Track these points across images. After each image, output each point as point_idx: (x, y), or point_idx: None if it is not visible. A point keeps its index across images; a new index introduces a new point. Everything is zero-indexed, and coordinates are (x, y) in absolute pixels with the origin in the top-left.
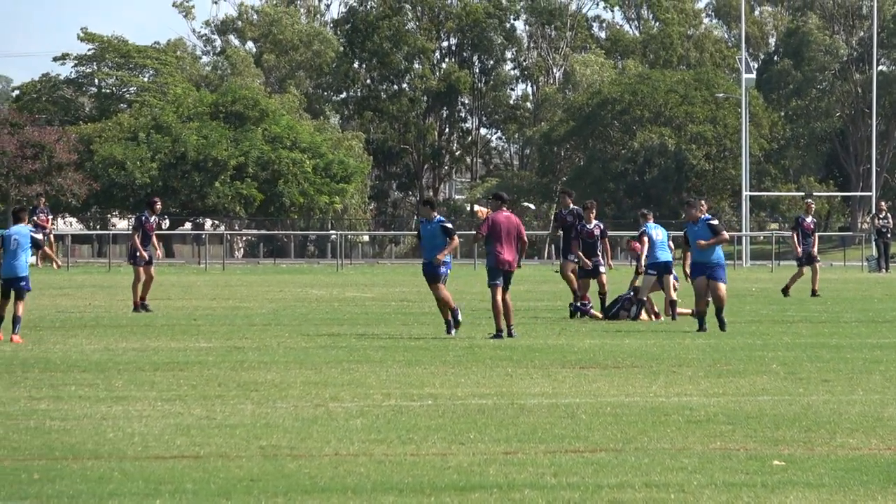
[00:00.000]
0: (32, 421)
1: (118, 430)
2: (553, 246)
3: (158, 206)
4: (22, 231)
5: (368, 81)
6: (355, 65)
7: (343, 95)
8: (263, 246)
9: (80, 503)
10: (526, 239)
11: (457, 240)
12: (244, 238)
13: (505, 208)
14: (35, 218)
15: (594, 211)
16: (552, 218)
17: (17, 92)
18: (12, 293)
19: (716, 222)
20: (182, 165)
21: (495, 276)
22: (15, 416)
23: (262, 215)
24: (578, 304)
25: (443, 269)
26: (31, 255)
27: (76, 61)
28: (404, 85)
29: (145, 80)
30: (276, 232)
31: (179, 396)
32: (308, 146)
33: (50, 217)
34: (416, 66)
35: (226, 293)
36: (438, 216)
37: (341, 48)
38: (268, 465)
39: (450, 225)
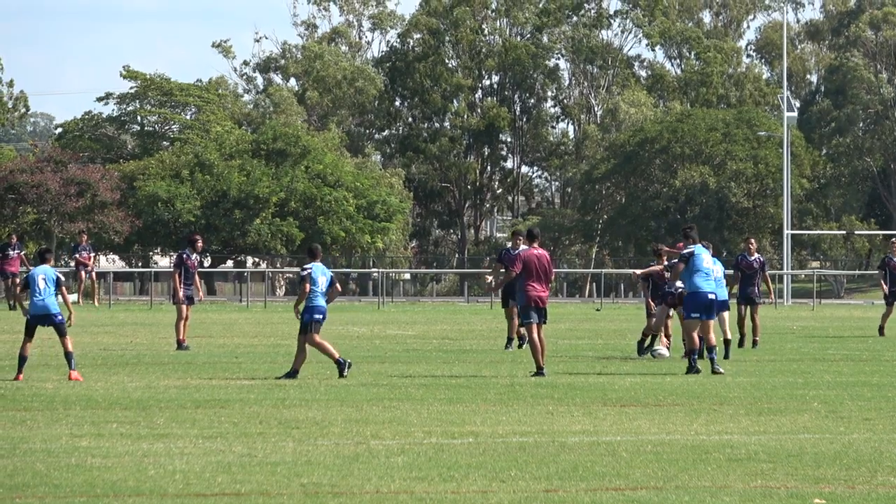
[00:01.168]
0: (74, 458)
1: (159, 467)
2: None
3: (200, 244)
4: (48, 271)
5: (410, 120)
6: (397, 103)
7: (385, 133)
8: None
9: None
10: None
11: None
12: (286, 276)
13: (536, 244)
14: (77, 255)
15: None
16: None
17: (59, 129)
18: (54, 331)
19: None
20: (224, 203)
21: (529, 313)
22: (56, 454)
23: (304, 253)
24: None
25: None
26: (57, 295)
27: (119, 100)
28: (445, 123)
29: (187, 117)
30: None
31: (220, 434)
32: (351, 184)
33: (92, 254)
34: (456, 104)
35: (267, 331)
36: None
37: (383, 86)
38: (309, 502)
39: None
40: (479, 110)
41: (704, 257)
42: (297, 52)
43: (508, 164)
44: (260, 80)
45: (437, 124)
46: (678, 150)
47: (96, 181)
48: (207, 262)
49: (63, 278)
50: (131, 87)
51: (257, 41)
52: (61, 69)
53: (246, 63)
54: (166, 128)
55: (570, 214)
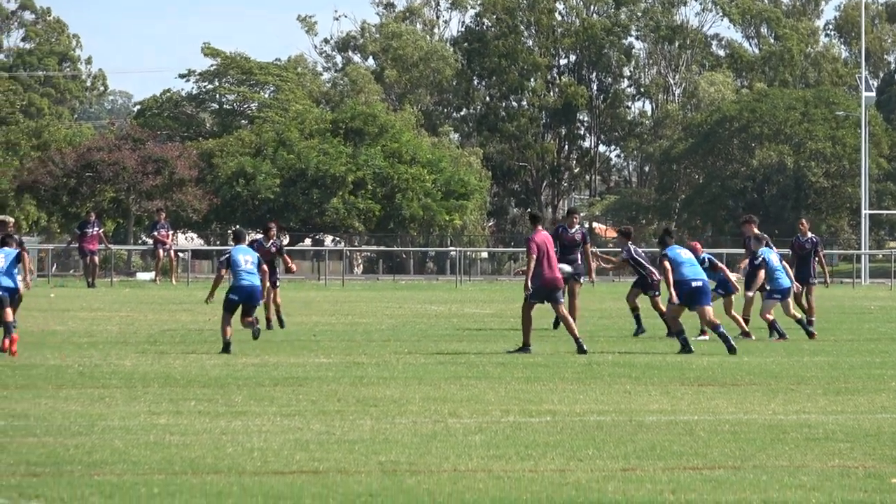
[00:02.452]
0: (152, 435)
1: (237, 444)
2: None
3: (273, 231)
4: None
5: (487, 99)
6: (474, 82)
7: (462, 112)
8: (383, 262)
9: None
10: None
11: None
12: (363, 254)
13: (539, 227)
14: (155, 233)
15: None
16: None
17: (137, 107)
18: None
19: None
20: (302, 182)
21: (541, 295)
22: (135, 431)
23: (382, 231)
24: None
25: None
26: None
27: (198, 77)
28: (523, 102)
29: (266, 96)
30: (396, 248)
31: (299, 412)
32: (428, 162)
33: (170, 232)
34: (533, 82)
35: (345, 309)
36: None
37: (460, 65)
38: (387, 480)
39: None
40: (556, 89)
41: (679, 251)
42: (375, 30)
43: (586, 144)
44: (339, 59)
45: (514, 103)
46: (756, 129)
47: (174, 159)
48: (286, 240)
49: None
50: (211, 66)
51: (336, 20)
52: (140, 47)
53: (326, 41)
54: (245, 106)
55: (647, 194)
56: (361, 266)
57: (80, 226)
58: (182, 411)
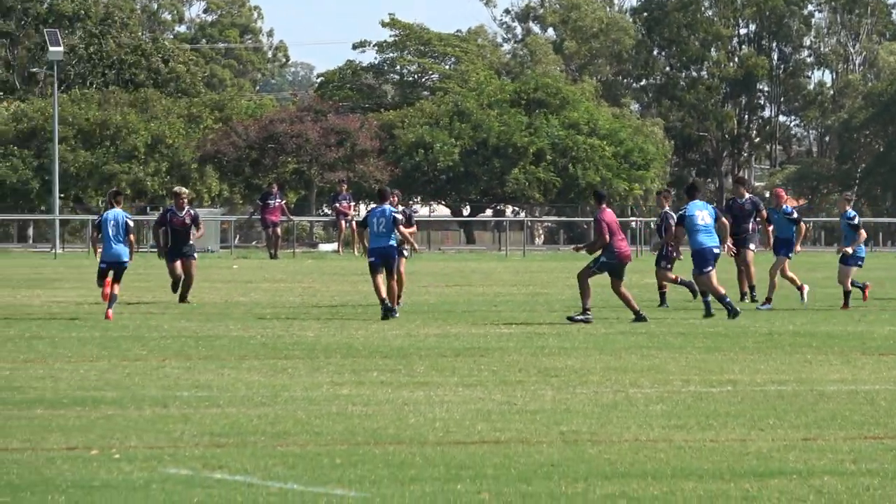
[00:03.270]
0: (335, 406)
1: (419, 415)
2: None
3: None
4: (119, 215)
5: (667, 69)
6: (654, 52)
7: (642, 83)
8: (563, 232)
9: (382, 488)
10: None
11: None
12: (544, 224)
13: (604, 205)
14: (337, 204)
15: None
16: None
17: (319, 79)
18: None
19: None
20: (483, 152)
21: (610, 269)
22: (318, 401)
23: (562, 201)
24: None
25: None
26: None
27: (377, 48)
28: (703, 72)
29: (447, 67)
30: (576, 219)
31: (480, 382)
32: (607, 132)
33: (352, 203)
34: (714, 53)
35: (526, 279)
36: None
37: (639, 36)
38: (567, 450)
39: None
40: (736, 59)
41: (698, 214)
42: (555, 1)
43: (766, 113)
44: (518, 30)
45: (694, 73)
46: None
47: (355, 130)
48: (467, 211)
49: (132, 224)
50: (391, 36)
51: None
52: (321, 18)
53: (507, 11)
54: (425, 77)
55: (827, 163)
56: (542, 236)
57: (263, 197)
58: (364, 382)
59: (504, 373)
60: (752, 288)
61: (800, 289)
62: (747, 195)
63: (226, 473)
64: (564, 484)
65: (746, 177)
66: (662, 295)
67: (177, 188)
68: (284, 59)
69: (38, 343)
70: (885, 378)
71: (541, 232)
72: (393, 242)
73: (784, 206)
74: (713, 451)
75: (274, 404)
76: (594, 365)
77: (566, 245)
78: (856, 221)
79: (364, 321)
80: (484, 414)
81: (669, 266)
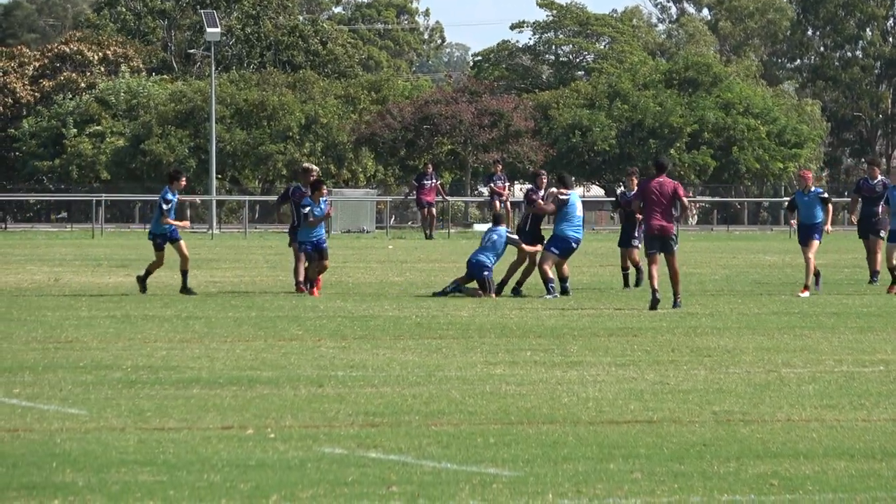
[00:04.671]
0: (488, 386)
1: (573, 394)
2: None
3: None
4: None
5: (822, 49)
6: (809, 32)
7: (797, 63)
8: (717, 212)
9: (535, 467)
10: (686, 202)
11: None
12: (698, 205)
13: (663, 176)
14: (492, 185)
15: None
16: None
17: (475, 59)
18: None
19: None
20: (639, 132)
21: (651, 244)
22: (472, 381)
23: (716, 182)
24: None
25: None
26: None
27: (533, 28)
28: (857, 52)
29: (602, 47)
30: (730, 199)
31: (633, 361)
32: (761, 112)
33: (507, 184)
34: (870, 33)
35: (680, 259)
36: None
37: (795, 16)
38: (720, 430)
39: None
40: (891, 39)
41: (577, 204)
42: None
43: None
44: (674, 10)
45: (849, 53)
46: None
47: (510, 111)
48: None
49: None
50: (547, 16)
51: None
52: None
53: None
54: (580, 58)
55: None
56: (696, 216)
57: (418, 178)
58: (518, 361)
59: (657, 352)
60: (874, 273)
61: (816, 275)
62: (880, 177)
63: (380, 452)
64: (716, 463)
65: (873, 157)
66: (626, 276)
67: (305, 164)
68: (440, 41)
69: (194, 323)
70: None
71: (695, 212)
72: (490, 261)
73: (814, 188)
74: (865, 431)
75: (428, 384)
76: (747, 345)
77: (719, 225)
78: None
79: (518, 301)
80: (636, 393)
81: (639, 245)
